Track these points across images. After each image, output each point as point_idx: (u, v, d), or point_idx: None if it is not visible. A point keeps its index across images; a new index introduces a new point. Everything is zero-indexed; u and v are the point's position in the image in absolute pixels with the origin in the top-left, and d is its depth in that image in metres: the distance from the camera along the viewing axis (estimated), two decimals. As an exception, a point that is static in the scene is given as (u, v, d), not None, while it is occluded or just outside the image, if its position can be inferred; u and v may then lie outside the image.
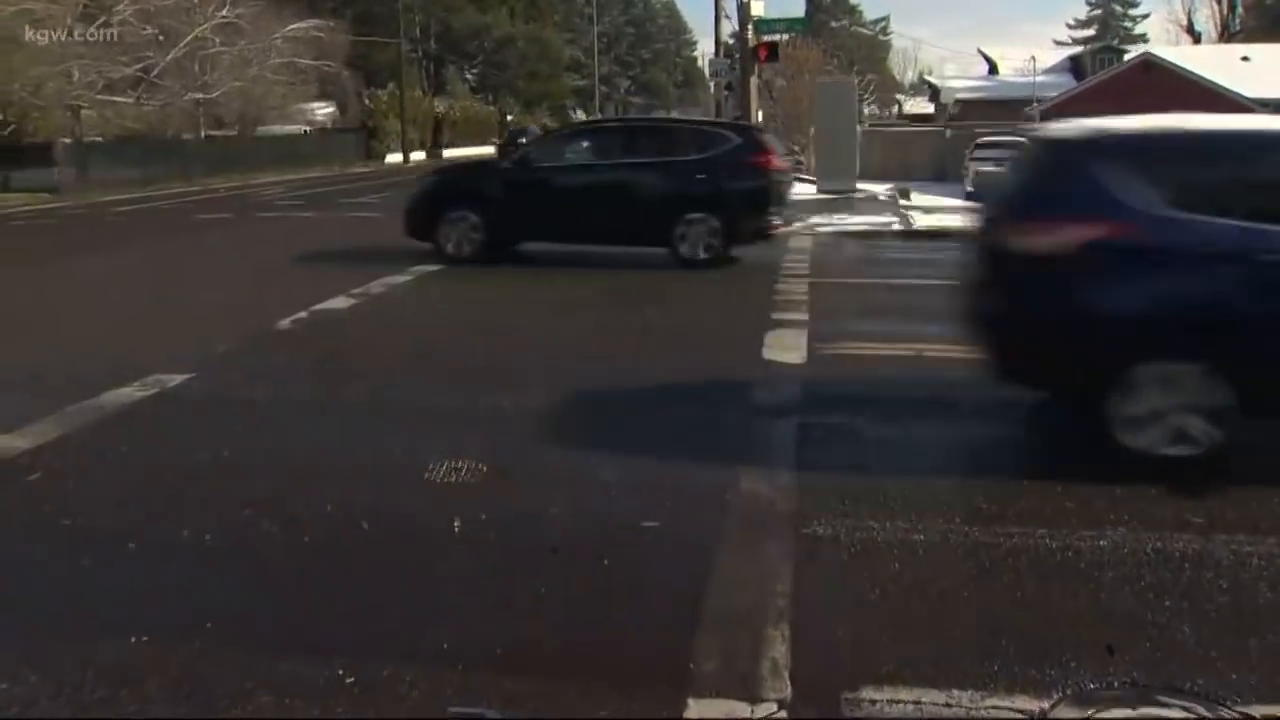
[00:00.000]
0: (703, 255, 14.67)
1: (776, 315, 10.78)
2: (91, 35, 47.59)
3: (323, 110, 69.48)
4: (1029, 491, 5.80)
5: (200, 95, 55.38)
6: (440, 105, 74.19)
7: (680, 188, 14.74)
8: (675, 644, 4.22)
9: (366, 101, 67.60)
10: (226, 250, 18.65)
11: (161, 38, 52.04)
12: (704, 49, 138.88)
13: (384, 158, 64.58)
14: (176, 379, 8.64)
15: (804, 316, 10.74)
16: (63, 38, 46.04)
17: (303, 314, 11.31)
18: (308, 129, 65.72)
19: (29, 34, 43.03)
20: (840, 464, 6.35)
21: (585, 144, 16.63)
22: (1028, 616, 4.50)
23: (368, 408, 7.77)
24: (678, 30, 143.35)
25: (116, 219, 29.70)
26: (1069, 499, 5.66)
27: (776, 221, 15.28)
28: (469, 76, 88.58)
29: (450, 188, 16.40)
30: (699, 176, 14.74)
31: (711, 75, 37.76)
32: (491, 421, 7.30)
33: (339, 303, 11.95)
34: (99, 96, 49.05)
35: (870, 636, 4.31)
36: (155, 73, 51.77)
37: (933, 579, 4.80)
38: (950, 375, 8.43)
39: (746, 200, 14.80)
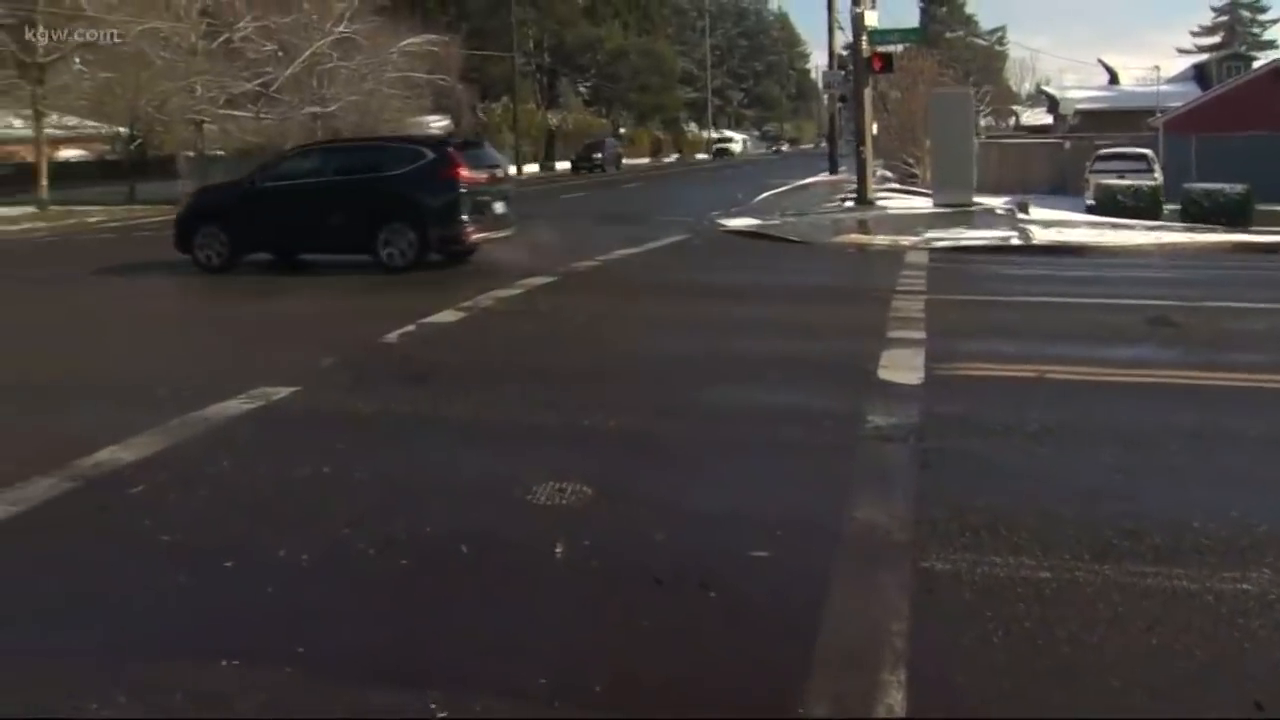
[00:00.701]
0: (400, 262, 16.25)
1: (892, 333, 10.44)
2: (214, 51, 48.67)
3: (437, 123, 70.20)
4: (1164, 527, 5.42)
5: (318, 109, 56.27)
6: (553, 118, 74.71)
7: (381, 201, 16.39)
8: (785, 685, 3.97)
9: (480, 115, 68.22)
10: (338, 261, 18.72)
11: (281, 53, 53.03)
12: (817, 61, 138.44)
13: (496, 170, 65.29)
14: (282, 392, 8.61)
15: (921, 335, 10.38)
16: (187, 55, 47.20)
17: (410, 327, 11.25)
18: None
19: (155, 51, 44.13)
20: (960, 493, 6.01)
21: (305, 164, 18.20)
22: (1164, 666, 4.16)
23: (471, 424, 7.63)
24: (791, 43, 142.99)
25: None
26: (1207, 537, 5.28)
27: (469, 230, 16.50)
28: (582, 90, 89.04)
29: (203, 207, 18.48)
30: (397, 190, 16.35)
31: (825, 87, 37.47)
32: (596, 440, 7.11)
33: (447, 316, 11.88)
34: (220, 111, 50.16)
35: (993, 683, 4.02)
36: (274, 87, 52.70)
37: (1061, 622, 4.47)
38: (1076, 399, 8.07)
39: (439, 211, 16.25)
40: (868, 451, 6.83)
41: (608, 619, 4.59)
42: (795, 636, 4.35)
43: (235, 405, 8.26)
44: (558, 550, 5.18)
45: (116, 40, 43.10)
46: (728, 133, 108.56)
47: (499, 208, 17.38)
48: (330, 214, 16.64)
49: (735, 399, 8.43)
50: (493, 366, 9.61)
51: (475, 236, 16.79)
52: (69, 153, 52.93)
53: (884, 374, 8.79)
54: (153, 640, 4.53)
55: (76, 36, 43.10)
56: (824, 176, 46.74)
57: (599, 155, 67.94)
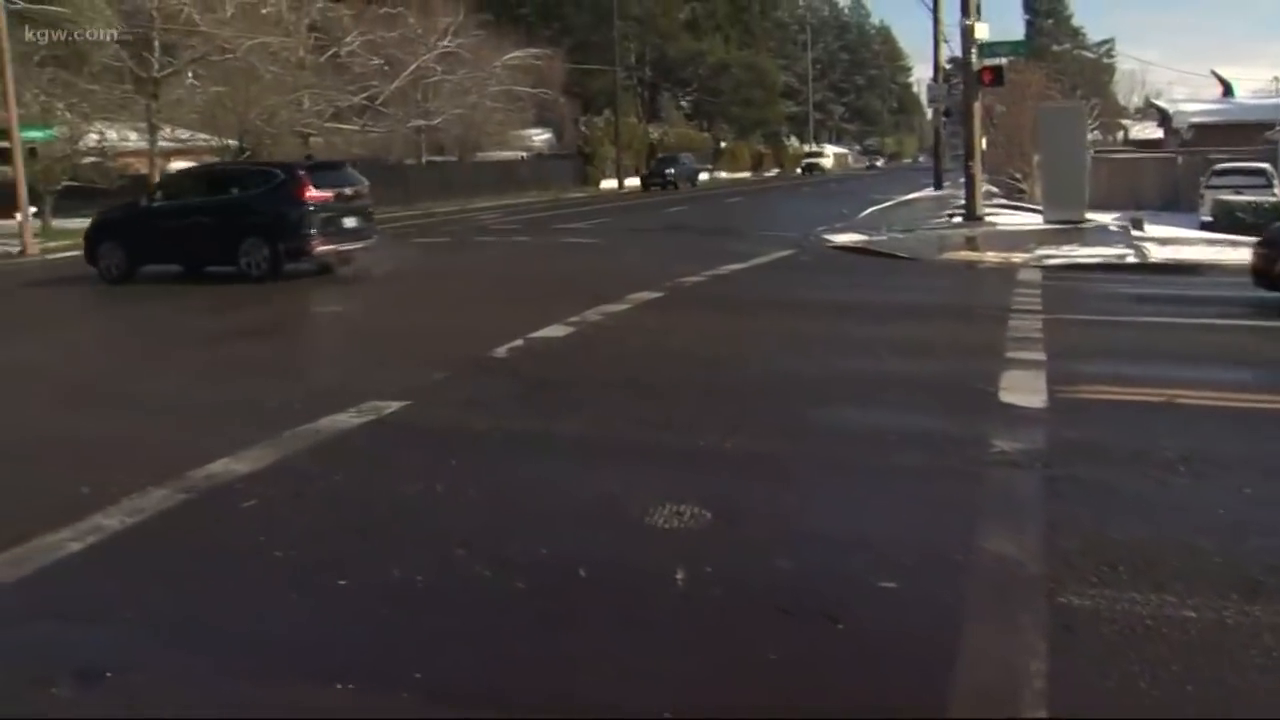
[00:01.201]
0: (257, 273, 18.33)
1: (1011, 354, 10.12)
2: (321, 65, 49.46)
3: (540, 136, 70.71)
4: (1318, 564, 5.13)
5: (422, 122, 57.01)
6: (655, 131, 74.70)
7: (241, 218, 18.63)
8: (920, 727, 3.79)
9: (582, 128, 68.52)
10: (444, 274, 18.86)
11: (386, 67, 53.79)
12: (919, 75, 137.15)
13: (599, 183, 65.33)
14: (392, 406, 8.59)
15: (1041, 356, 10.05)
16: (295, 69, 48.01)
17: (519, 341, 11.20)
18: (525, 155, 66.81)
19: (265, 66, 44.95)
20: (1093, 523, 5.74)
21: (184, 187, 21.32)
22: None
23: (584, 442, 7.50)
24: (892, 56, 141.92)
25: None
26: (1367, 575, 4.98)
27: (315, 242, 18.43)
28: (684, 103, 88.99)
29: (106, 224, 20.80)
30: (253, 209, 18.62)
31: (930, 101, 36.94)
32: (713, 461, 6.93)
33: (555, 330, 11.80)
34: (327, 124, 50.94)
35: (1141, 732, 3.80)
36: (380, 100, 53.47)
37: (1209, 666, 4.22)
38: (1208, 425, 7.75)
39: (287, 226, 18.31)
40: (993, 478, 6.58)
41: (732, 649, 4.43)
42: (928, 674, 4.17)
43: (346, 418, 8.24)
44: (678, 576, 5.03)
45: (227, 55, 43.99)
46: (818, 146, 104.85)
47: (351, 222, 19.38)
48: (203, 231, 18.97)
49: (852, 419, 8.23)
50: (604, 382, 9.49)
51: (322, 248, 18.59)
52: (181, 164, 53.99)
53: (1005, 396, 8.51)
54: (264, 660, 4.47)
55: (189, 52, 44.09)
56: (928, 192, 46.08)
57: (672, 171, 63.99)
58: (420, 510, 6.17)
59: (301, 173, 19.13)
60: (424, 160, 59.06)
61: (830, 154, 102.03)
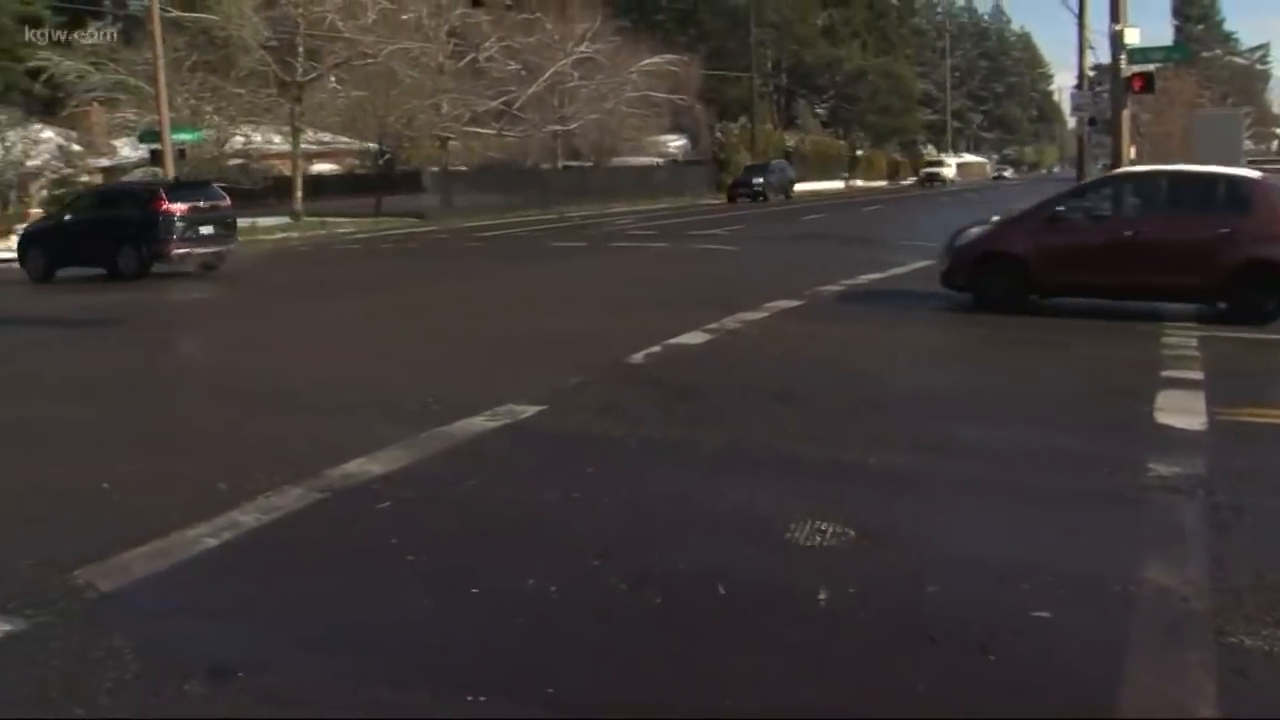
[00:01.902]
0: (129, 272, 22.80)
1: (1166, 373, 9.69)
2: (460, 70, 50.12)
3: (675, 143, 70.77)
4: None
5: (558, 127, 57.41)
6: (790, 139, 74.11)
7: (119, 228, 23.19)
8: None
9: (718, 134, 68.32)
10: (579, 279, 18.89)
11: (524, 72, 54.30)
12: (1060, 82, 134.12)
13: (733, 190, 65.10)
14: (528, 410, 8.53)
15: (1198, 375, 9.59)
16: (435, 74, 48.74)
17: (656, 348, 11.09)
18: (660, 161, 66.80)
19: (405, 71, 45.70)
20: (1263, 557, 5.38)
21: (86, 203, 25.81)
22: None
23: (723, 452, 7.29)
24: (1033, 63, 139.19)
25: (475, 244, 30.91)
26: None
27: (171, 247, 22.91)
28: (820, 110, 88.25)
29: (34, 235, 25.87)
30: (126, 221, 23.27)
31: (1073, 109, 35.82)
32: (856, 476, 6.70)
33: (693, 337, 11.67)
34: (465, 128, 51.58)
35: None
36: (517, 105, 53.98)
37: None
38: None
39: (149, 234, 22.87)
40: (1152, 504, 6.24)
41: (877, 676, 4.22)
42: (1088, 715, 3.92)
43: (481, 422, 8.20)
44: (821, 597, 4.84)
45: (369, 60, 44.81)
46: (938, 154, 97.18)
47: (207, 230, 23.63)
48: (95, 239, 23.56)
49: (1002, 436, 7.93)
50: (743, 391, 9.30)
51: (177, 251, 23.02)
52: (322, 167, 55.17)
53: (1161, 417, 8.12)
54: (395, 666, 4.38)
55: (332, 58, 45.04)
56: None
57: (760, 180, 57.92)
58: (556, 518, 6.06)
59: (160, 190, 24.25)
60: (560, 165, 59.49)
61: (952, 164, 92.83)
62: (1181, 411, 8.22)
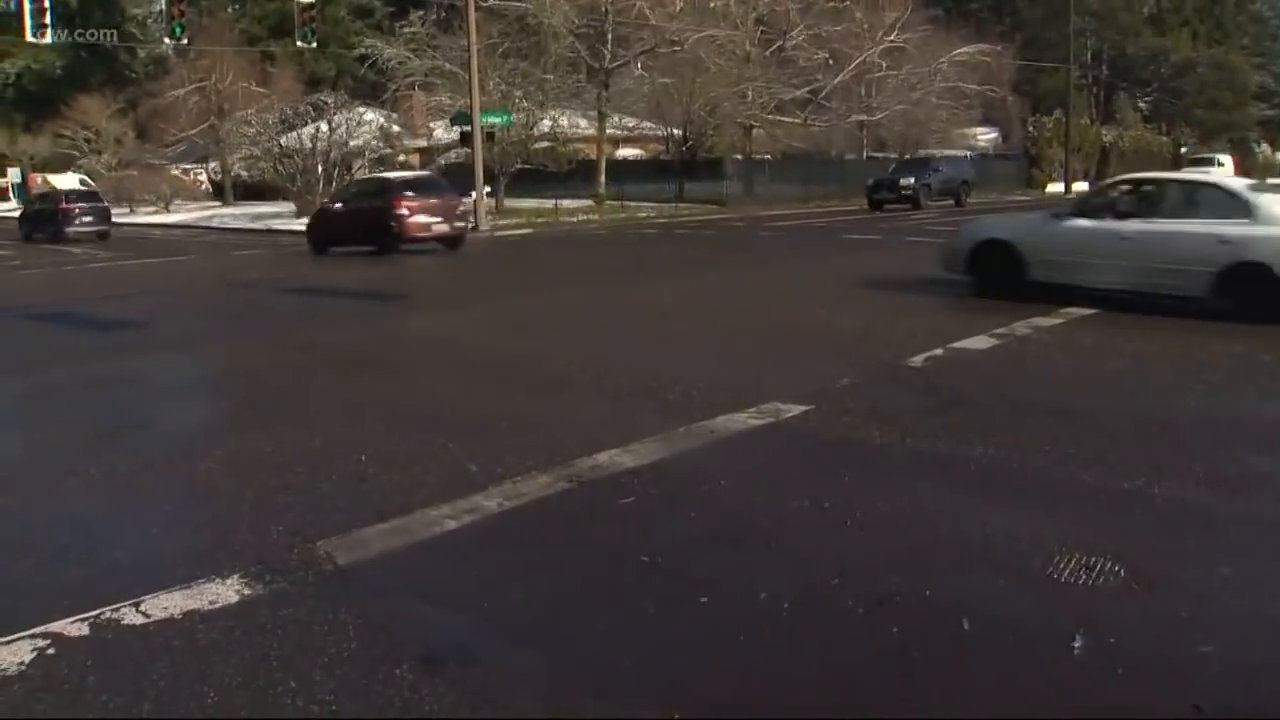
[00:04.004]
0: (44, 241, 37.74)
1: None
2: (766, 59, 50.08)
3: (985, 136, 68.69)
4: None
5: (864, 117, 56.65)
6: (1108, 134, 70.48)
7: (48, 216, 40.05)
8: None
9: (1030, 128, 65.67)
10: (867, 274, 18.31)
11: (831, 61, 53.78)
12: None
13: (1044, 186, 62.43)
14: (793, 409, 8.21)
15: None
16: (741, 61, 48.86)
17: (938, 350, 10.54)
18: (969, 154, 64.71)
19: (711, 58, 46.00)
20: None
21: (46, 199, 41.91)
22: None
23: (992, 471, 6.70)
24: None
25: (770, 233, 30.73)
26: None
27: (68, 230, 38.34)
28: (1141, 105, 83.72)
29: (29, 213, 42.67)
30: (48, 213, 40.45)
31: None
32: (1135, 509, 5.98)
33: (978, 342, 11.03)
34: (769, 116, 51.52)
35: None
36: (823, 94, 53.52)
37: None
38: None
39: (51, 223, 39.51)
40: None
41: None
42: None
43: (743, 419, 7.94)
44: (1075, 644, 4.32)
45: (675, 48, 45.31)
46: (1209, 153, 74.04)
47: (88, 218, 39.27)
48: (39, 222, 40.28)
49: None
50: (1023, 405, 8.61)
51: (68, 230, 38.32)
52: (626, 152, 56.20)
53: None
54: (605, 673, 4.18)
55: (639, 44, 45.78)
56: None
57: (910, 183, 43.98)
58: (801, 528, 5.72)
59: (64, 195, 41.93)
60: (864, 155, 58.60)
61: (1228, 163, 77.39)
62: None
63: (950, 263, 15.49)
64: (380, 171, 37.99)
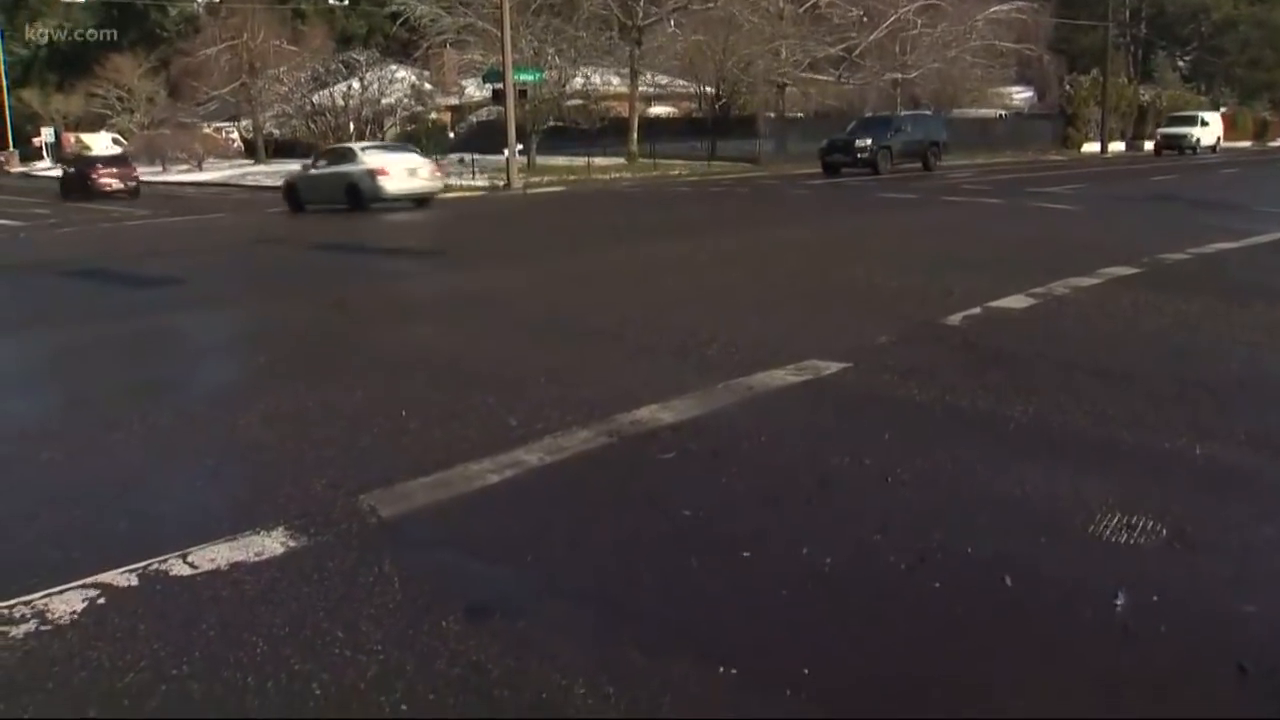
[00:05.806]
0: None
1: None
2: (800, 16, 49.66)
3: (1020, 95, 68.05)
4: None
5: (898, 75, 56.19)
6: (1145, 94, 69.64)
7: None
8: None
9: (1067, 87, 64.97)
10: (904, 233, 18.25)
11: (865, 19, 53.33)
12: None
13: (1080, 146, 61.86)
14: (832, 367, 8.19)
15: None
16: (774, 19, 48.47)
17: (976, 309, 10.48)
18: (1003, 113, 64.06)
19: (744, 16, 45.69)
20: None
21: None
22: None
23: (1033, 429, 6.65)
24: None
25: (803, 191, 30.60)
26: None
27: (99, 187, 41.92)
28: (1180, 64, 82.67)
29: (66, 175, 45.88)
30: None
31: None
32: (1178, 468, 5.93)
33: (1016, 301, 10.96)
34: (802, 74, 51.18)
35: None
36: (856, 52, 53.11)
37: None
38: None
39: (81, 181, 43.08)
40: None
41: (1173, 703, 3.67)
42: None
43: (782, 375, 7.94)
44: (1118, 602, 4.31)
45: (709, 5, 44.99)
46: (1190, 111, 64.89)
47: (117, 179, 42.53)
48: (74, 182, 42.77)
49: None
50: (1063, 364, 8.53)
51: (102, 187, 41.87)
52: (658, 109, 55.96)
53: None
54: (651, 629, 4.18)
55: (672, 1, 45.48)
56: None
57: (866, 144, 39.65)
58: (843, 484, 5.71)
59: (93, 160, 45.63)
60: (899, 114, 58.17)
61: (1212, 121, 63.08)
62: None
63: None
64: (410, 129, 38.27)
